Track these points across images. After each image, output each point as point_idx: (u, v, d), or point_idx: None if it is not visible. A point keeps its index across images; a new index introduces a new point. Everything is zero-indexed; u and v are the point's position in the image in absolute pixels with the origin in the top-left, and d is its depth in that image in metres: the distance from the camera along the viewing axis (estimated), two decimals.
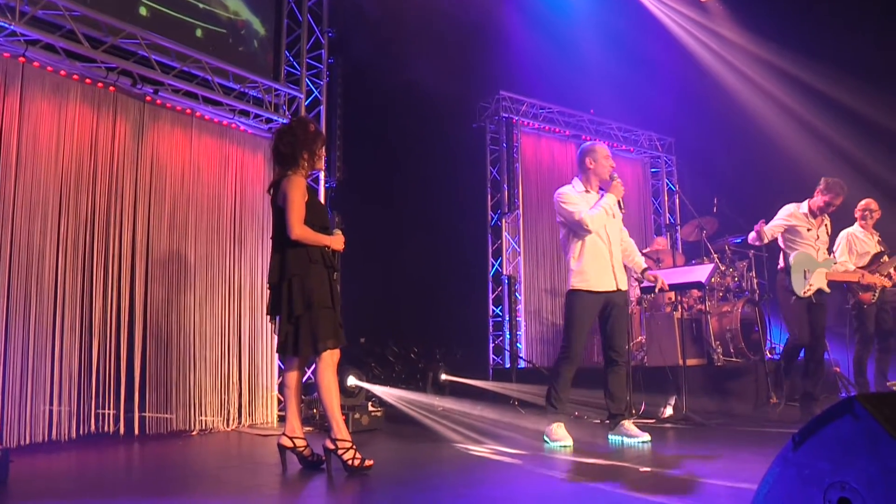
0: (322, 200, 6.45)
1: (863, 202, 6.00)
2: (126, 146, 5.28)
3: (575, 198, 4.46)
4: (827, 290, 5.25)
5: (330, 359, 3.45)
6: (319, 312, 3.41)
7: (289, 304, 3.43)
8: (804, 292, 5.15)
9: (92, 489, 3.31)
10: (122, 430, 4.92)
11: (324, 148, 3.69)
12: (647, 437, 4.27)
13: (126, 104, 5.33)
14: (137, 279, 5.21)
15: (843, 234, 5.95)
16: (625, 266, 4.57)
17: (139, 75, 5.32)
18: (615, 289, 4.40)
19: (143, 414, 5.08)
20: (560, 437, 4.23)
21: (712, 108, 8.77)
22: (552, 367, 4.57)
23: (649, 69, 8.62)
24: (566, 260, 4.54)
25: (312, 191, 3.66)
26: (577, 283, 4.41)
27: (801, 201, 5.45)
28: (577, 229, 4.42)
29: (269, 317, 3.61)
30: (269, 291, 3.59)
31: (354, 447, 3.44)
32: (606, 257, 4.41)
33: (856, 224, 5.96)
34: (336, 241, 3.57)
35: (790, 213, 5.39)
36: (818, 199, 5.32)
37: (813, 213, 5.34)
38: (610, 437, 4.41)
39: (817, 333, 5.21)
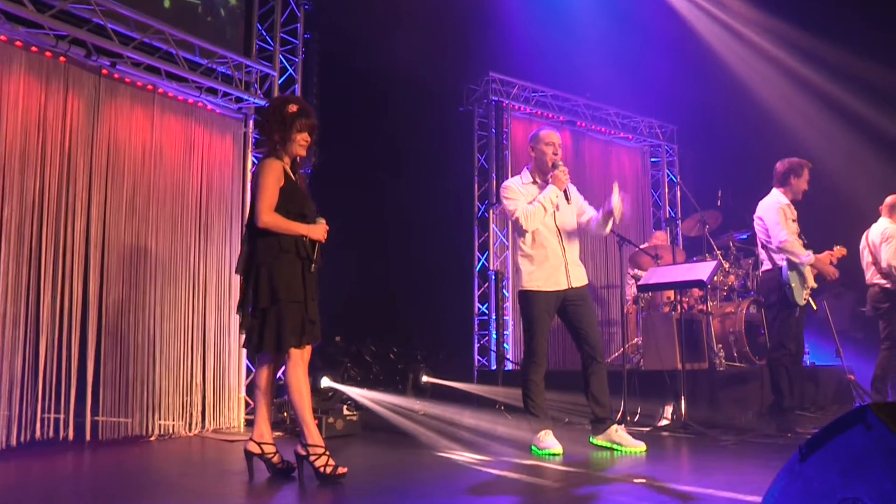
0: None
1: (891, 197, 5.99)
2: (79, 124, 5.17)
3: (516, 191, 4.52)
4: (815, 286, 5.23)
5: (299, 357, 3.44)
6: (287, 307, 3.40)
7: (254, 296, 3.43)
8: (804, 298, 5.12)
9: (34, 501, 3.25)
10: (71, 436, 4.83)
11: (306, 133, 3.62)
12: (642, 445, 4.27)
13: (79, 77, 5.22)
14: (92, 271, 5.12)
15: (887, 231, 5.88)
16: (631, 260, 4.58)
17: (94, 45, 5.20)
18: (567, 287, 4.42)
19: (96, 418, 4.99)
20: (549, 444, 4.23)
21: (718, 93, 8.79)
22: (521, 374, 4.59)
23: (651, 50, 8.62)
24: (515, 257, 4.59)
25: (293, 176, 3.63)
26: (526, 283, 4.47)
27: (774, 195, 5.27)
28: (517, 226, 4.48)
29: (237, 312, 3.59)
30: (240, 284, 3.57)
31: (328, 453, 3.43)
32: (557, 253, 4.44)
33: (883, 219, 5.96)
34: (315, 230, 3.54)
35: (780, 208, 5.19)
36: (795, 185, 5.21)
37: (793, 201, 5.27)
38: (593, 440, 4.42)
39: (801, 338, 5.22)
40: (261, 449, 3.57)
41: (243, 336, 3.74)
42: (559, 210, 4.48)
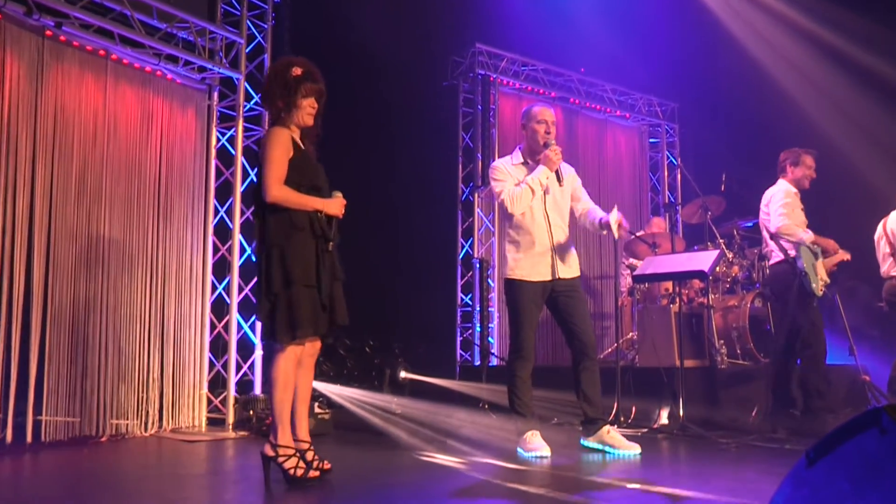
0: None
1: None
2: (21, 90, 5.03)
3: (504, 172, 4.53)
4: (828, 280, 5.31)
5: (294, 349, 3.42)
6: (300, 291, 3.36)
7: (267, 280, 3.38)
8: (820, 291, 5.18)
9: None
10: (9, 438, 4.72)
11: (313, 99, 3.56)
12: (636, 448, 4.27)
13: (18, 38, 5.05)
14: (36, 255, 5.01)
15: None
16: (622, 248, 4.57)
17: (35, 2, 5.04)
18: (552, 278, 4.42)
19: (39, 417, 4.90)
20: (536, 446, 4.23)
21: (724, 67, 8.76)
22: (506, 370, 4.60)
23: (650, 21, 8.59)
24: (502, 243, 4.60)
25: (303, 146, 3.61)
26: (511, 272, 4.49)
27: (779, 184, 5.39)
28: (502, 209, 4.49)
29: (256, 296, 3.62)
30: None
31: (298, 455, 3.40)
32: (544, 241, 4.43)
33: None
34: (331, 204, 3.51)
35: (786, 193, 5.32)
36: (794, 174, 5.35)
37: (800, 190, 5.38)
38: (583, 442, 4.43)
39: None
40: (275, 452, 3.42)
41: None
42: (549, 193, 4.47)
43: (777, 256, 5.28)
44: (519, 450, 4.30)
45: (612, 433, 4.36)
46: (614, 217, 4.40)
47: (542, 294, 4.44)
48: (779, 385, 5.22)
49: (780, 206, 5.29)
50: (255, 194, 3.57)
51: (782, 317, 5.39)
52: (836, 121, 7.97)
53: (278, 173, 3.40)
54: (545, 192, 4.44)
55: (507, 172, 4.51)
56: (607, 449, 4.31)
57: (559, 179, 4.47)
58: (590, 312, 4.80)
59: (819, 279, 5.19)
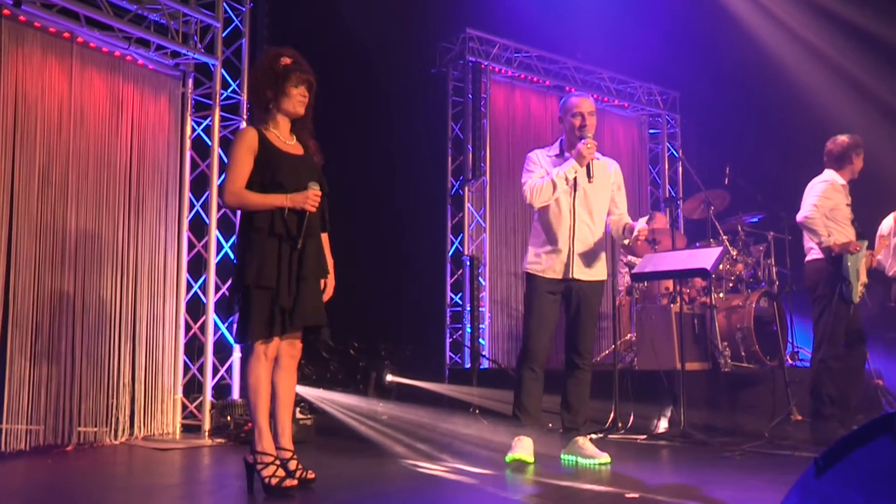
0: None
1: None
2: None
3: (535, 163, 4.55)
4: (866, 280, 5.29)
5: (262, 351, 3.43)
6: (254, 294, 3.40)
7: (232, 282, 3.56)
8: (858, 297, 5.17)
9: None
10: None
11: (304, 88, 3.62)
12: (606, 458, 4.24)
13: None
14: None
15: None
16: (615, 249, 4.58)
17: None
18: (563, 277, 4.40)
19: None
20: (518, 450, 4.21)
21: (728, 55, 8.76)
22: (515, 370, 4.62)
23: (650, 4, 8.59)
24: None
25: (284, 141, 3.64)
26: (526, 264, 4.53)
27: (827, 174, 5.35)
28: (523, 200, 4.54)
29: None
30: None
31: (278, 463, 3.39)
32: (564, 237, 4.41)
33: None
34: (296, 199, 3.47)
35: (829, 187, 5.24)
36: (857, 164, 5.31)
37: (850, 182, 5.34)
38: (562, 456, 4.41)
39: (863, 333, 5.36)
40: (253, 459, 3.45)
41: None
42: (579, 188, 4.42)
43: (815, 254, 5.25)
44: (507, 455, 4.28)
45: (581, 442, 4.35)
46: (641, 224, 4.41)
47: (556, 293, 4.42)
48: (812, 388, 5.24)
49: (817, 196, 5.20)
50: None
51: (815, 317, 5.37)
52: (851, 107, 7.90)
53: (236, 175, 3.49)
54: (574, 188, 4.40)
55: (538, 163, 4.51)
56: (578, 460, 4.30)
57: (589, 175, 4.39)
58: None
59: (860, 283, 5.18)
